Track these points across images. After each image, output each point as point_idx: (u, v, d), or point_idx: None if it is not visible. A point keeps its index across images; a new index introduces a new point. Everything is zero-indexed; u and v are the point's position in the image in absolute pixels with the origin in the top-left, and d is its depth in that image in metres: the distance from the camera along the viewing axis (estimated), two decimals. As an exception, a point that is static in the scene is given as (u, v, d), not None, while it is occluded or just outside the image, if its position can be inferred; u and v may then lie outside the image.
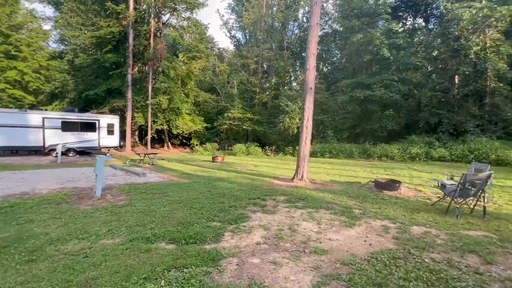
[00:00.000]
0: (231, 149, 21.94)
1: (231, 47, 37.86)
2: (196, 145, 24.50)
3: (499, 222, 4.36)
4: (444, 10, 16.40)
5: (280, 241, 3.54)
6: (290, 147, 19.11)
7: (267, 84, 28.62)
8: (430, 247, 3.27)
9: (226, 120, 23.83)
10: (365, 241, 3.53)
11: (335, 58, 33.01)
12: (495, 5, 14.07)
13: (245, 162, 14.82)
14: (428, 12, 21.31)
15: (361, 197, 6.11)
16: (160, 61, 20.92)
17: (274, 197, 6.11)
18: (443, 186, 5.02)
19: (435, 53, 18.51)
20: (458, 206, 4.67)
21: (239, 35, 36.36)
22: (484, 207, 4.68)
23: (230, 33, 35.49)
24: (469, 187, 4.83)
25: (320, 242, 3.49)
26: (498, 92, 15.37)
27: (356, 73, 20.68)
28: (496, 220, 4.49)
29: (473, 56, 14.50)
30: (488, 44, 14.52)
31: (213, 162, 14.76)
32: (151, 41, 21.49)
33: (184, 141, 26.63)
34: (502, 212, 5.00)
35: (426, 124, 16.83)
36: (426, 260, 2.88)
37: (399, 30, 18.21)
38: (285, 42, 30.16)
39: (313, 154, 17.87)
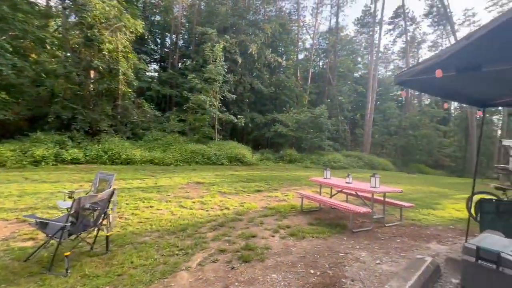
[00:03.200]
0: None
1: None
2: None
3: (124, 255, 3.19)
4: (79, -7, 14.56)
5: None
6: None
7: None
8: None
9: None
10: None
11: None
12: (126, 12, 15.19)
13: None
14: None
15: None
16: None
17: None
18: (43, 225, 2.85)
19: (71, 39, 15.98)
20: (68, 253, 2.78)
21: None
22: (107, 237, 3.31)
23: None
24: (90, 210, 3.22)
25: None
26: (128, 97, 16.98)
27: None
28: (120, 251, 3.29)
29: (106, 52, 14.35)
30: (119, 48, 15.26)
31: None
32: None
33: None
34: (128, 231, 4.04)
35: (57, 119, 13.83)
36: None
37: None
38: None
39: None
